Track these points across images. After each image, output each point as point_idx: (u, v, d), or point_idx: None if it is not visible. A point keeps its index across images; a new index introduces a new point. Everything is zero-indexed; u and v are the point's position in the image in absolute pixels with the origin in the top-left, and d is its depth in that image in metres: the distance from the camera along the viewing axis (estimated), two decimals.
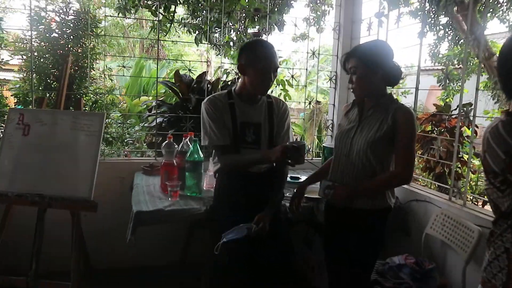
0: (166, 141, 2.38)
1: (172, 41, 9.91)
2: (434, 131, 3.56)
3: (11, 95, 3.41)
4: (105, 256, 2.88)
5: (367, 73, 1.74)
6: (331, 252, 1.96)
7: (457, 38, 6.79)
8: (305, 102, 3.46)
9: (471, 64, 6.81)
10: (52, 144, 2.34)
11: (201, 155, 2.29)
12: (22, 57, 3.29)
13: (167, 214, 2.06)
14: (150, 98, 5.48)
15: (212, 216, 2.09)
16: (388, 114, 1.72)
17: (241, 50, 2.01)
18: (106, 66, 3.72)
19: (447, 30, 7.03)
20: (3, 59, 3.32)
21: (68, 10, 3.24)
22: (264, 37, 4.16)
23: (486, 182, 1.31)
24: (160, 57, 11.50)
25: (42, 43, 3.20)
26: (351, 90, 1.85)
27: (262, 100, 2.07)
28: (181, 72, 3.82)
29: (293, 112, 9.31)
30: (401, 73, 1.79)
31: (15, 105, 3.40)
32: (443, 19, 6.99)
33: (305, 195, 2.33)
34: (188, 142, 2.37)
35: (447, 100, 7.05)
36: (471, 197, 3.98)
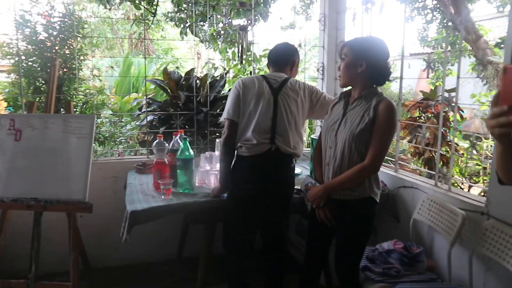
0: (157, 140, 2.41)
1: (152, 39, 9.84)
2: (422, 117, 3.62)
3: (1, 100, 3.41)
4: (103, 255, 2.93)
5: (353, 62, 1.81)
6: (311, 241, 2.06)
7: (445, 21, 6.83)
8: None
9: (457, 47, 6.85)
10: (45, 148, 2.36)
11: (192, 152, 2.32)
12: (10, 61, 3.28)
13: (162, 211, 2.10)
14: (140, 95, 5.46)
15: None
16: (371, 106, 1.77)
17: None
18: (95, 67, 3.72)
19: (434, 13, 7.07)
20: None
21: (53, 12, 3.23)
22: (249, 29, 4.16)
23: None
24: (149, 52, 11.48)
25: (29, 46, 3.20)
26: (339, 78, 1.91)
27: None
28: (170, 68, 3.83)
29: None
30: (389, 74, 1.84)
31: (5, 108, 3.41)
32: (431, 2, 7.02)
33: (295, 187, 2.38)
34: (179, 140, 2.40)
35: (437, 83, 7.09)
36: (461, 179, 4.06)
